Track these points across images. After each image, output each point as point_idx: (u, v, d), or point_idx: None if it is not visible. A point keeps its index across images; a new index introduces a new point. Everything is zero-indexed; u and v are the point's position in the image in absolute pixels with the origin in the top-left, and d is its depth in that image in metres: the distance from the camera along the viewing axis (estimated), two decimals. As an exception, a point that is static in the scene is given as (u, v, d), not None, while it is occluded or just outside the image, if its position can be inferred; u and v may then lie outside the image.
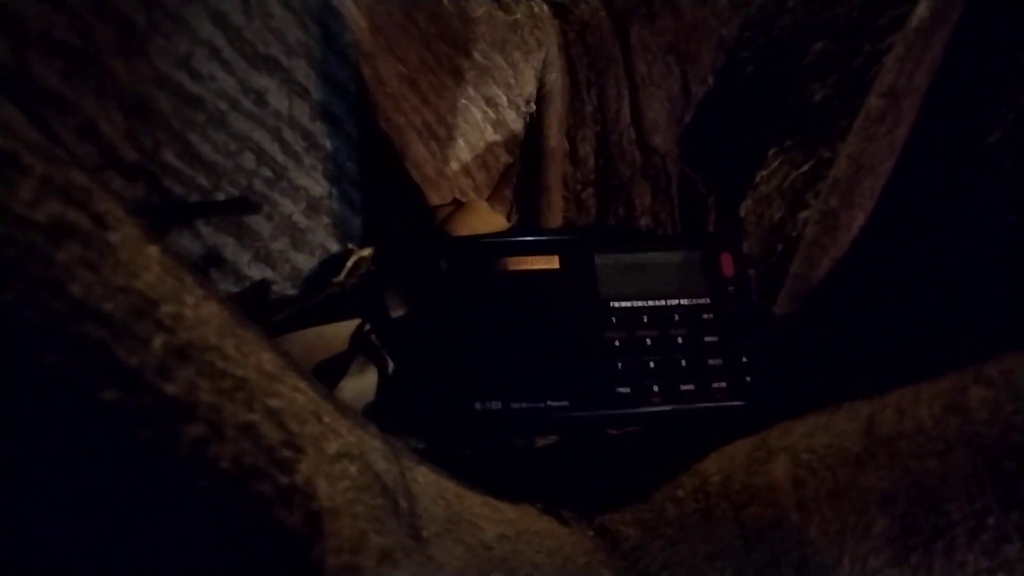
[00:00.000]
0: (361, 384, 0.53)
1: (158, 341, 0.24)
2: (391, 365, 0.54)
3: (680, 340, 0.55)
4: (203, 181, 0.51)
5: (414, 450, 0.53)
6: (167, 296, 0.26)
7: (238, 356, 0.29)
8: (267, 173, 0.54)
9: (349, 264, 0.47)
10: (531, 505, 0.49)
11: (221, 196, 0.52)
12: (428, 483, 0.40)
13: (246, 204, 0.53)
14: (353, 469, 0.33)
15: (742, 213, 0.67)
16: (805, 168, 0.67)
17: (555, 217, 0.70)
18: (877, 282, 0.57)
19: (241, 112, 0.52)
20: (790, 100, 0.71)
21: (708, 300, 0.56)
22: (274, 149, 0.54)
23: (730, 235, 0.62)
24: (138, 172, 0.48)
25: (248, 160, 0.53)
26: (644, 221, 0.70)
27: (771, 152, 0.70)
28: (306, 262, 0.57)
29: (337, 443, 0.33)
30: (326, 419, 0.33)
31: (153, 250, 0.27)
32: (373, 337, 0.54)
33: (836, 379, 0.56)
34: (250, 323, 0.31)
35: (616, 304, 0.55)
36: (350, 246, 0.49)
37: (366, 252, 0.48)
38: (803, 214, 0.63)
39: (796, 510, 0.46)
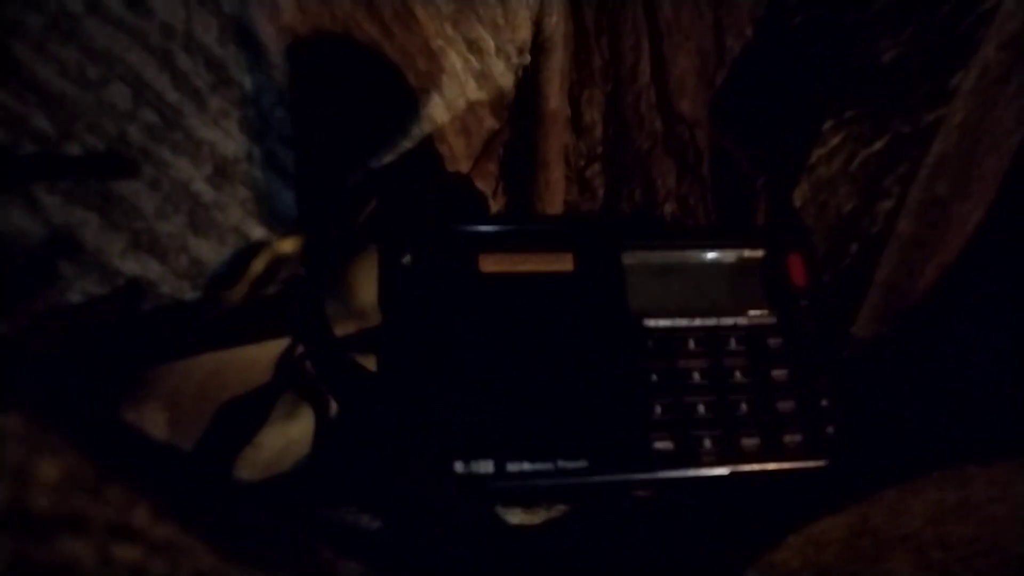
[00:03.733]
0: (289, 435, 0.37)
1: None
2: (333, 406, 0.37)
3: (739, 375, 0.41)
4: (43, 123, 0.33)
5: (364, 531, 0.37)
6: None
7: None
8: (150, 117, 0.36)
9: (256, 268, 0.29)
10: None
11: (75, 149, 0.34)
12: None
13: (115, 162, 0.35)
14: None
15: (797, 202, 0.52)
16: (878, 146, 0.53)
17: (555, 200, 0.55)
18: (1002, 296, 0.42)
19: (106, 19, 0.34)
20: (851, 59, 0.58)
21: (774, 319, 0.42)
22: (162, 82, 0.36)
23: (797, 230, 0.47)
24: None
25: (119, 95, 0.35)
26: (668, 207, 0.55)
27: (827, 126, 0.56)
28: (212, 253, 0.39)
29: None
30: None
31: None
32: (308, 364, 0.37)
33: (945, 428, 0.42)
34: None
35: (652, 322, 0.41)
36: (255, 240, 0.31)
37: (288, 245, 0.30)
38: (884, 205, 0.49)
39: (935, 643, 0.32)
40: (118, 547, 0.15)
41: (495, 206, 0.56)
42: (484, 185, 0.55)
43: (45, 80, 0.33)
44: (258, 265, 0.30)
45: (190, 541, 0.17)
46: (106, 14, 0.34)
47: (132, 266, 0.37)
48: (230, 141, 0.39)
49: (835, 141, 0.55)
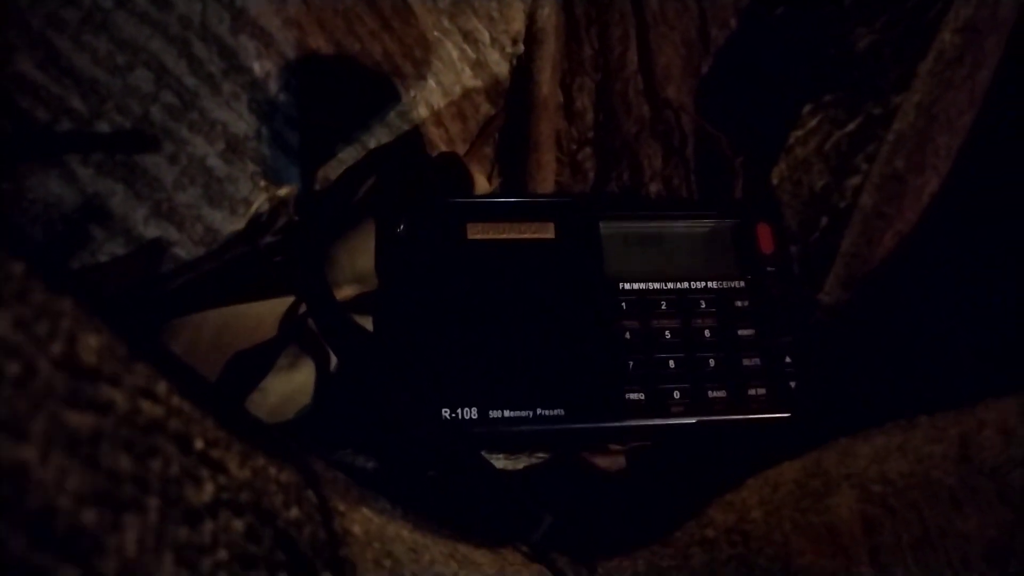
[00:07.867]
0: (292, 384, 0.41)
1: None
2: (333, 359, 0.41)
3: (708, 333, 0.44)
4: (78, 104, 0.38)
5: (360, 471, 0.41)
6: None
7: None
8: (170, 99, 0.40)
9: (253, 209, 0.33)
10: (515, 550, 0.37)
11: (104, 126, 0.39)
12: (369, 534, 0.27)
13: (140, 139, 0.39)
14: (239, 526, 0.21)
15: (774, 180, 0.55)
16: (851, 127, 0.55)
17: (546, 181, 0.58)
18: (954, 263, 0.45)
19: (132, 12, 0.38)
20: (829, 48, 0.60)
21: (742, 283, 0.45)
22: (180, 68, 0.40)
23: (767, 203, 0.50)
24: (-22, 85, 0.34)
25: (143, 79, 0.39)
26: (654, 187, 0.58)
27: (806, 109, 0.59)
28: (224, 222, 0.43)
29: (213, 486, 0.20)
30: (199, 444, 0.20)
31: None
32: (310, 321, 0.41)
33: (901, 384, 0.45)
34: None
35: (626, 286, 0.44)
36: (262, 183, 0.35)
37: (284, 191, 0.34)
38: (852, 181, 0.52)
39: (870, 563, 0.37)
40: (144, 402, 0.19)
41: (491, 187, 0.59)
42: (480, 168, 0.59)
43: (80, 66, 0.37)
44: (255, 206, 0.33)
45: (203, 415, 0.21)
46: (132, 7, 0.38)
47: (153, 232, 0.42)
48: (241, 121, 0.43)
49: (812, 123, 0.58)
